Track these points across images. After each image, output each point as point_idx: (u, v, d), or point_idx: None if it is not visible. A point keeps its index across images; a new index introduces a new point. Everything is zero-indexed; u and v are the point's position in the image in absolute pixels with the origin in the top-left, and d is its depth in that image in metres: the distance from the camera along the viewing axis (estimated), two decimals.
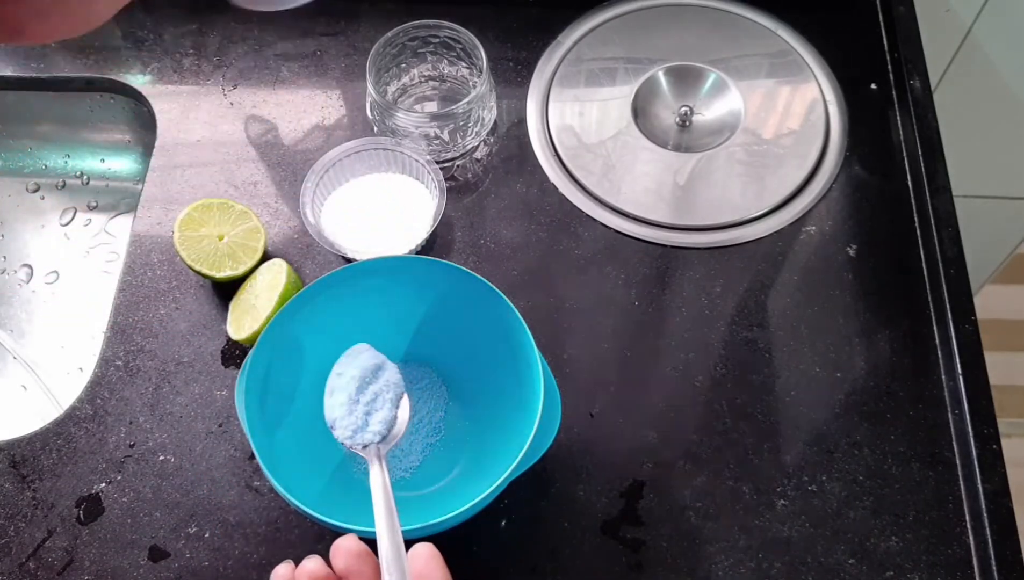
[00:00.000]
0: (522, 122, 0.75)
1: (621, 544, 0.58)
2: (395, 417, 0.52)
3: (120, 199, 0.81)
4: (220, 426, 0.63)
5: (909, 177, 0.72)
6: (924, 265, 0.68)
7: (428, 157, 0.68)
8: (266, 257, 0.67)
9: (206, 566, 0.58)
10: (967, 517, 0.59)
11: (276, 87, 0.77)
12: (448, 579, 0.41)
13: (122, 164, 0.82)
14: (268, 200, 0.72)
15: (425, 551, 0.42)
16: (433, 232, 0.67)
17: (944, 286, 0.65)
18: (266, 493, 0.60)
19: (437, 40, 0.73)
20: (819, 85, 0.76)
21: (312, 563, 0.41)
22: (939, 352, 0.64)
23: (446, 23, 0.71)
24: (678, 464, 0.61)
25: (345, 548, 0.42)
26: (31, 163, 0.84)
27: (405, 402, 0.54)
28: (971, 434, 0.60)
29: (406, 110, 0.70)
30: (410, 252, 0.65)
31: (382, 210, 0.69)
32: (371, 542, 0.43)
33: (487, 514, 0.55)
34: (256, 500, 0.60)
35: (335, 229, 0.68)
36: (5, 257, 0.80)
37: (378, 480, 0.47)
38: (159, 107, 0.76)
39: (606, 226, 0.70)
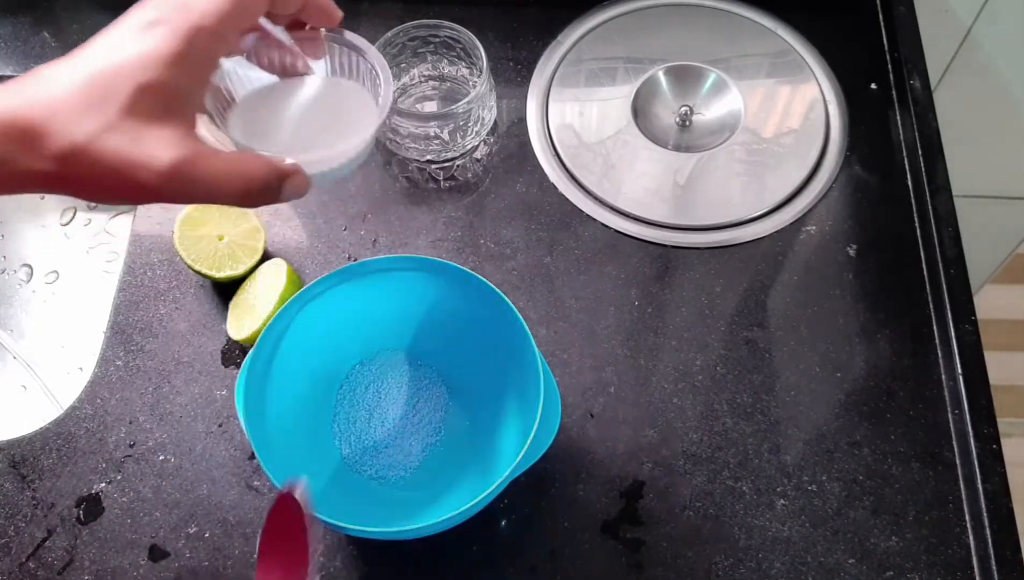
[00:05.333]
0: (522, 122, 0.75)
1: (621, 544, 0.58)
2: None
3: None
4: (220, 426, 0.63)
5: (909, 177, 0.72)
6: (924, 265, 0.68)
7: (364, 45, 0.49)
8: (266, 257, 0.67)
9: (206, 566, 0.58)
10: (967, 517, 0.59)
11: None
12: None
13: None
14: None
15: None
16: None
17: (944, 286, 0.65)
18: (266, 493, 0.60)
19: (437, 40, 0.73)
20: (819, 85, 0.76)
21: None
22: (939, 352, 0.64)
23: (446, 23, 0.71)
24: (678, 464, 0.61)
25: None
26: None
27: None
28: (971, 434, 0.60)
29: (406, 110, 0.70)
30: (357, 153, 0.48)
31: (308, 109, 0.49)
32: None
33: (487, 514, 0.55)
34: (256, 500, 0.60)
35: (252, 134, 0.48)
36: (5, 257, 0.80)
37: None
38: None
39: (606, 226, 0.70)
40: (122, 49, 0.39)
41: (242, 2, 0.40)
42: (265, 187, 0.43)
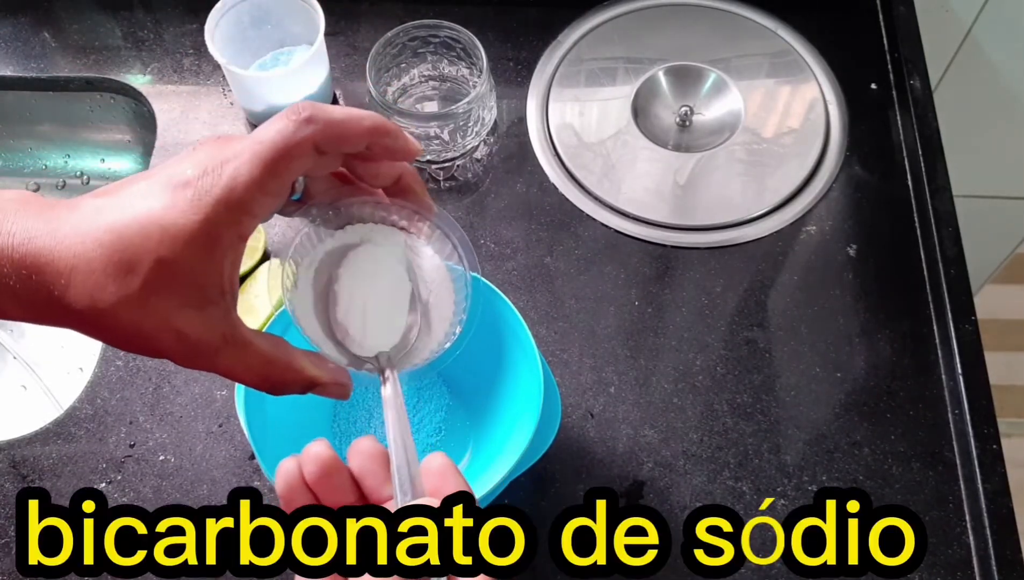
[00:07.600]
0: (522, 122, 0.75)
1: None
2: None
3: None
4: (220, 426, 0.63)
5: (909, 177, 0.72)
6: (924, 265, 0.68)
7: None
8: (266, 257, 0.67)
9: None
10: (967, 517, 0.59)
11: None
12: (466, 487, 0.36)
13: (122, 164, 0.82)
14: None
15: (439, 463, 0.36)
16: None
17: (944, 286, 0.65)
18: (266, 493, 0.60)
19: (437, 40, 0.73)
20: (819, 85, 0.76)
21: (319, 446, 0.37)
22: (939, 352, 0.64)
23: (446, 23, 0.71)
24: (678, 464, 0.61)
25: (362, 449, 0.38)
26: (31, 163, 0.84)
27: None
28: (971, 434, 0.60)
29: (406, 110, 0.70)
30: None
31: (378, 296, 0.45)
32: None
33: None
34: None
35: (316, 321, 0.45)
36: None
37: (390, 398, 0.40)
38: (159, 107, 0.76)
39: (606, 226, 0.70)
40: (150, 209, 0.36)
41: (275, 169, 0.37)
42: (292, 390, 0.42)
